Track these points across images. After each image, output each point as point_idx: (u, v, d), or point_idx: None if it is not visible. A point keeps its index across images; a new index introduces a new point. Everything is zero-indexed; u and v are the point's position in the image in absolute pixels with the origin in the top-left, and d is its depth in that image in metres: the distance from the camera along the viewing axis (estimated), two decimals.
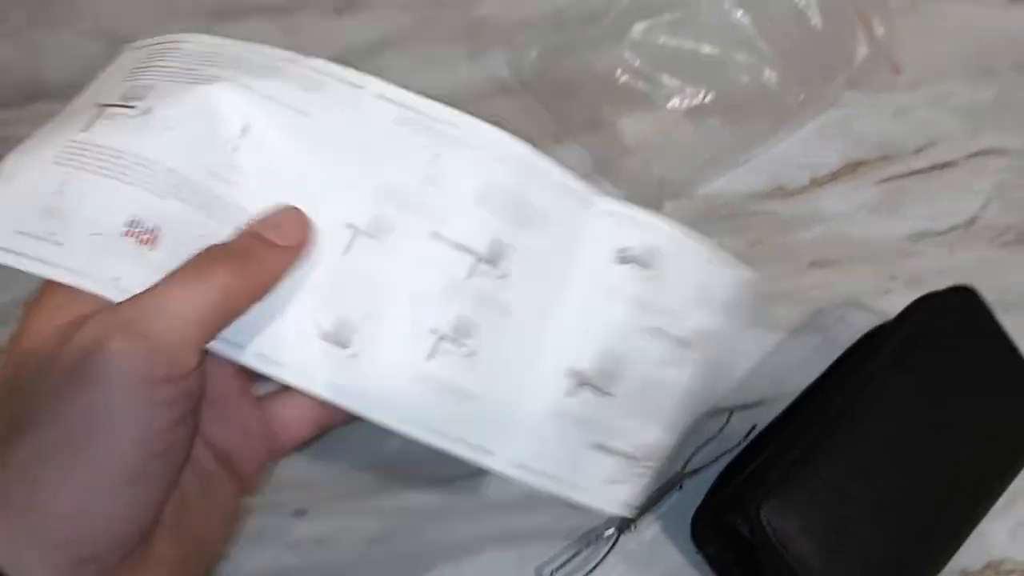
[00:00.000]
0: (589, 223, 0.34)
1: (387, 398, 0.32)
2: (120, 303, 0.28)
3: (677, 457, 0.43)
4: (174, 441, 0.27)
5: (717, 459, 0.43)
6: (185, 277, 0.28)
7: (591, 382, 0.33)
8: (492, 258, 0.33)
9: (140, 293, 0.28)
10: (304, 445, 0.35)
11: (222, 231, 0.31)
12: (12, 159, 0.32)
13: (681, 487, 0.43)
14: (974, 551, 0.42)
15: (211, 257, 0.29)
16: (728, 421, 0.44)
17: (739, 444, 0.43)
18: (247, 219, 0.31)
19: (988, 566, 0.43)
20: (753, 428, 0.43)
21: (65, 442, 0.26)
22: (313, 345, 0.32)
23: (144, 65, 0.33)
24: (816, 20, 0.48)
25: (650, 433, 0.34)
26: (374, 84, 0.32)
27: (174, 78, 0.32)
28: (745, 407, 0.45)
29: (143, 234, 0.30)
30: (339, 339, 0.32)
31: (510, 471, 0.33)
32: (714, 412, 0.45)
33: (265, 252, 0.30)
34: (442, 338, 0.32)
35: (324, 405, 0.32)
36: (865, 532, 0.38)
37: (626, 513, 0.34)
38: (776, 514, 0.37)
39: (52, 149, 0.31)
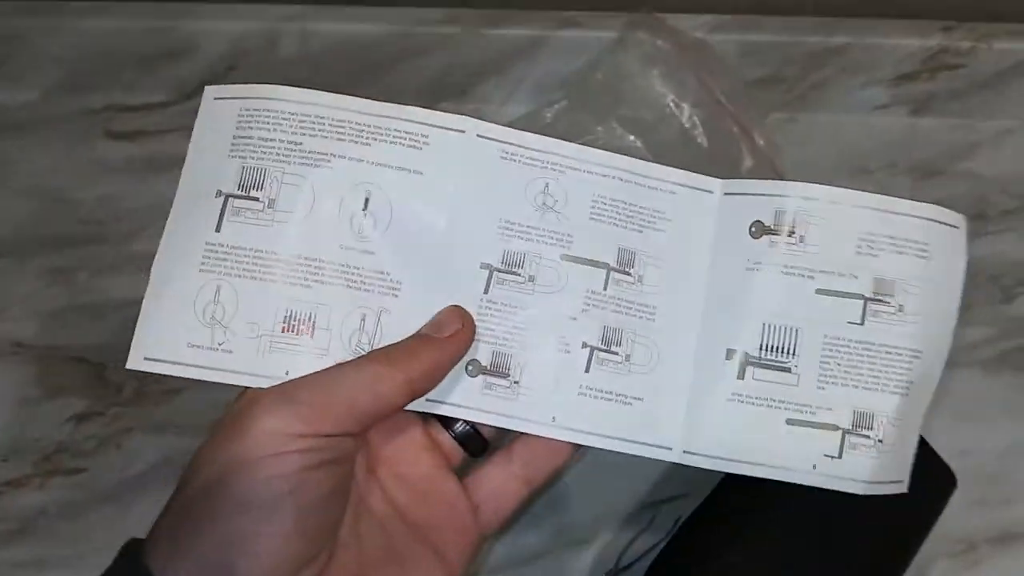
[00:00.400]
0: (712, 208, 0.37)
1: (560, 416, 0.35)
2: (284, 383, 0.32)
3: (610, 553, 0.46)
4: (310, 485, 0.30)
5: (647, 552, 0.46)
6: (342, 366, 0.33)
7: (760, 360, 0.35)
8: (622, 265, 0.36)
9: (301, 376, 0.32)
10: (509, 521, 0.37)
11: (371, 299, 0.35)
12: (157, 270, 0.34)
13: None
14: None
15: (369, 354, 0.33)
16: (656, 515, 0.47)
17: (667, 536, 0.46)
18: (391, 282, 0.35)
19: None
20: (679, 519, 0.46)
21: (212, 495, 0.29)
22: (476, 381, 0.35)
23: (246, 134, 0.35)
24: (702, 139, 0.53)
25: (862, 399, 0.35)
26: (474, 125, 0.36)
27: (285, 158, 0.35)
28: (672, 499, 0.48)
29: (300, 325, 0.34)
30: (499, 370, 0.35)
31: (700, 462, 0.35)
32: (643, 506, 0.48)
33: (423, 347, 0.33)
34: (595, 350, 0.35)
35: (526, 468, 0.35)
36: None
37: (859, 490, 0.35)
38: None
39: (193, 254, 0.34)
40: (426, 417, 0.36)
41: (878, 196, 0.35)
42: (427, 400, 0.34)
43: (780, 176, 0.56)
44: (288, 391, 0.31)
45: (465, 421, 0.36)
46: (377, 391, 0.32)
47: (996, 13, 0.58)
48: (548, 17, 0.58)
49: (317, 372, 0.32)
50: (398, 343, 0.34)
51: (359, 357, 0.33)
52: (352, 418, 0.31)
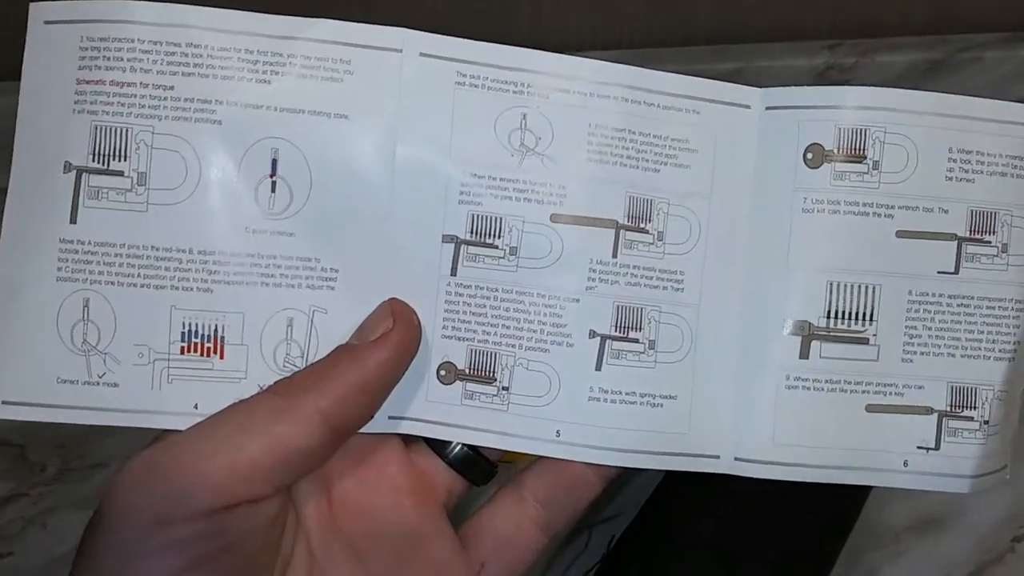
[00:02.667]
0: (751, 129, 0.28)
1: (567, 430, 0.27)
2: (166, 438, 0.24)
3: None
4: None
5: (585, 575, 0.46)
6: (228, 409, 0.24)
7: (827, 331, 0.27)
8: (635, 220, 0.27)
9: (190, 429, 0.24)
10: (534, 564, 0.29)
11: (297, 297, 0.27)
12: (4, 268, 0.26)
13: None
14: None
15: (271, 386, 0.25)
16: (590, 538, 0.47)
17: (602, 558, 0.46)
18: (322, 271, 0.27)
19: None
20: (612, 539, 0.46)
21: None
22: (452, 389, 0.27)
23: (93, 77, 0.26)
24: None
25: (961, 370, 0.28)
26: (416, 40, 0.27)
27: (153, 111, 0.26)
28: (605, 521, 0.48)
29: (204, 343, 0.26)
30: (480, 375, 0.27)
31: (757, 471, 0.27)
32: (577, 530, 0.48)
33: (338, 363, 0.25)
34: (607, 339, 0.27)
35: (544, 507, 0.27)
36: None
37: (965, 489, 0.28)
38: None
39: (45, 257, 0.26)
40: (410, 441, 0.28)
41: (967, 99, 0.28)
42: (389, 418, 0.27)
43: None
44: (151, 458, 0.23)
45: (464, 443, 0.28)
46: (274, 435, 0.23)
47: (876, 28, 0.61)
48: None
49: (193, 426, 0.24)
50: (308, 366, 0.26)
51: (258, 394, 0.25)
52: (240, 479, 0.23)
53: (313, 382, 0.24)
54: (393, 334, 0.25)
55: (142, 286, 0.26)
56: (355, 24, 0.26)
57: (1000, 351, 0.28)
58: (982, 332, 0.28)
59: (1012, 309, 0.28)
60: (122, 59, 0.26)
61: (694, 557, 0.41)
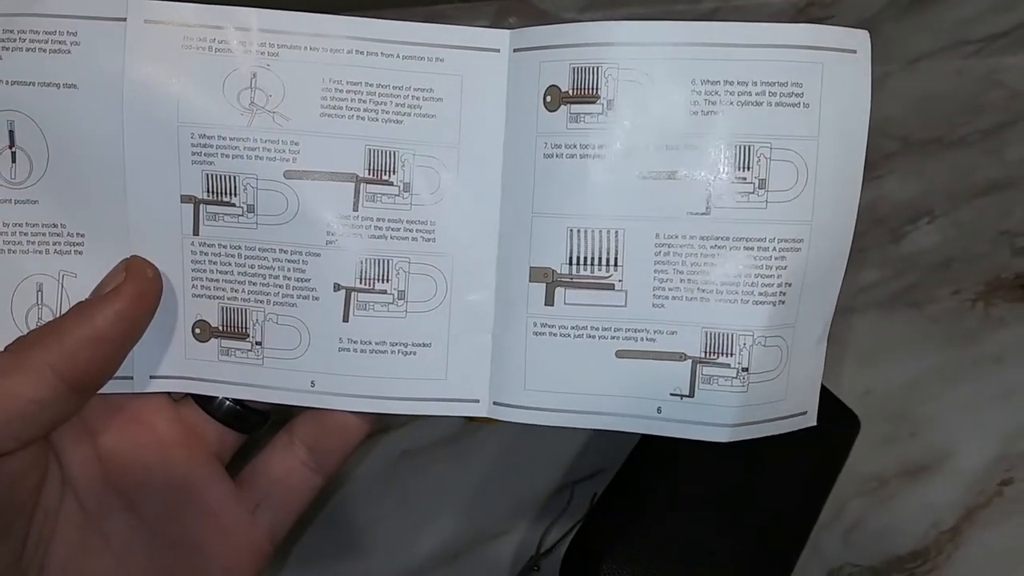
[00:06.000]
0: (500, 74, 0.27)
1: (322, 380, 0.28)
2: None
3: (531, 540, 0.46)
4: None
5: (567, 534, 0.45)
6: None
7: (570, 278, 0.27)
8: (377, 173, 0.27)
9: None
10: (302, 518, 0.31)
11: (46, 263, 0.27)
12: None
13: (538, 568, 0.45)
14: (815, 565, 0.46)
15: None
16: (572, 495, 0.46)
17: (584, 515, 0.46)
18: (69, 236, 0.27)
19: (829, 574, 0.47)
20: (594, 496, 0.46)
21: None
22: (208, 346, 0.28)
23: None
24: None
25: (716, 315, 0.27)
26: (138, 7, 0.27)
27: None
28: (587, 478, 0.48)
29: None
30: (234, 331, 0.28)
31: (515, 416, 0.28)
32: (560, 488, 0.47)
33: (70, 318, 0.26)
34: (351, 291, 0.28)
35: (313, 452, 0.29)
36: None
37: (722, 437, 0.27)
38: (616, 570, 0.39)
39: None
40: (178, 399, 0.29)
41: (715, 24, 0.26)
42: (151, 378, 0.28)
43: None
44: None
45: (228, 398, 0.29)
46: (10, 390, 0.24)
47: None
48: (416, 13, 0.57)
49: None
50: (45, 323, 0.26)
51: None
52: None
53: (43, 337, 0.25)
54: (124, 287, 0.26)
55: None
56: None
57: (761, 294, 0.27)
58: (739, 275, 0.27)
59: (775, 249, 0.26)
60: None
61: (676, 514, 0.41)
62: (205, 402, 0.30)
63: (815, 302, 0.27)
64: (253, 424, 0.30)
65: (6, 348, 0.25)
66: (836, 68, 0.26)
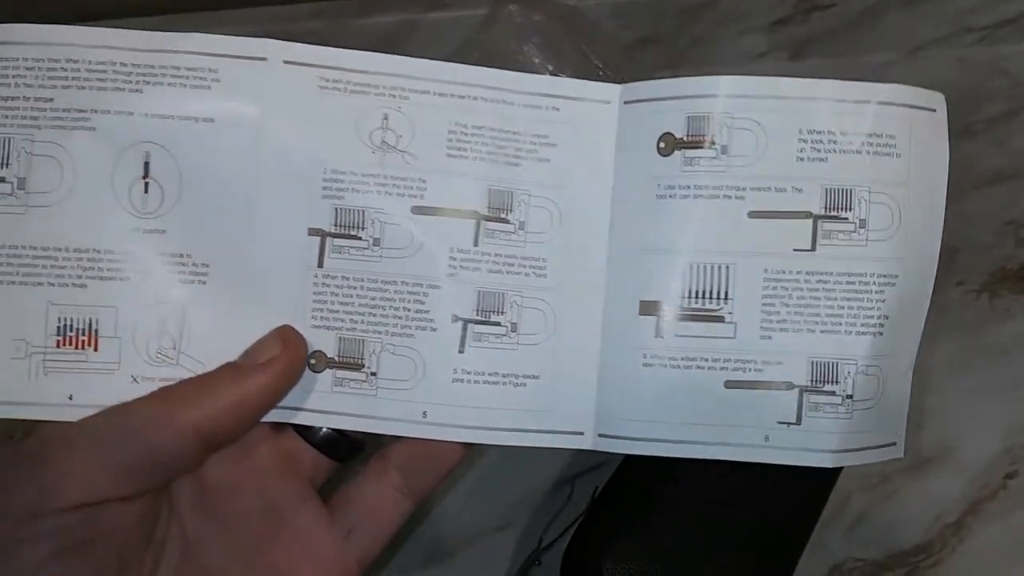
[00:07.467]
0: (610, 124, 0.29)
1: (433, 411, 0.29)
2: (41, 430, 0.25)
3: (533, 534, 0.45)
4: None
5: (569, 528, 0.45)
6: (110, 410, 0.25)
7: (682, 311, 0.28)
8: (496, 211, 0.29)
9: (72, 426, 0.25)
10: (392, 543, 0.31)
11: (169, 292, 0.28)
12: None
13: (539, 563, 0.45)
14: (818, 560, 0.45)
15: (155, 392, 0.26)
16: (573, 489, 0.46)
17: (586, 508, 0.45)
18: (194, 266, 0.28)
19: (833, 569, 0.46)
20: (595, 490, 0.46)
21: None
22: (323, 377, 0.29)
23: None
24: None
25: (821, 345, 0.28)
26: (279, 49, 0.28)
27: (33, 122, 0.28)
28: (588, 471, 0.47)
29: (79, 336, 0.28)
30: (349, 361, 0.29)
31: (620, 447, 0.29)
32: (560, 482, 0.47)
33: (222, 380, 0.26)
34: (468, 323, 0.29)
35: (406, 478, 0.29)
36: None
37: (827, 463, 0.28)
38: (618, 568, 0.39)
39: None
40: (278, 426, 0.30)
41: (818, 81, 0.28)
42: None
43: None
44: (27, 451, 0.24)
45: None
46: (149, 443, 0.25)
47: None
48: (415, 2, 0.57)
49: (74, 422, 0.25)
50: (192, 377, 0.27)
51: (134, 399, 0.26)
52: (116, 480, 0.24)
53: (192, 395, 0.26)
54: (278, 361, 0.27)
55: (20, 283, 0.27)
56: (222, 36, 0.28)
57: (863, 325, 0.28)
58: (842, 307, 0.28)
59: (875, 284, 0.29)
60: (7, 76, 0.28)
61: (678, 511, 0.40)
62: (303, 428, 0.30)
63: (906, 333, 0.29)
64: (349, 452, 0.31)
65: (153, 395, 0.26)
66: (921, 123, 0.29)
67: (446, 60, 0.28)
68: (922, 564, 0.46)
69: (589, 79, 0.53)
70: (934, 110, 0.29)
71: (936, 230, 0.29)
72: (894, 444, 0.30)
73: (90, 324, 0.28)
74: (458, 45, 0.53)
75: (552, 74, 0.53)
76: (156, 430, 0.25)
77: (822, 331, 0.28)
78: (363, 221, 0.28)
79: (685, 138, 0.28)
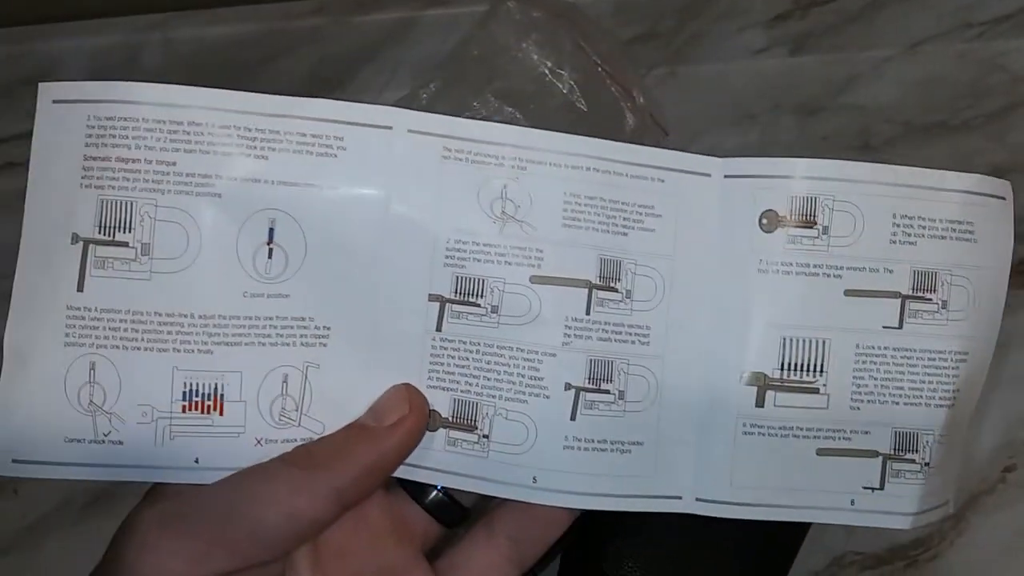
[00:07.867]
0: (712, 196, 0.30)
1: (543, 477, 0.29)
2: (164, 490, 0.27)
3: None
4: None
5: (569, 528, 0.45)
6: (247, 473, 0.26)
7: (781, 382, 0.30)
8: (606, 280, 0.29)
9: (212, 488, 0.26)
10: None
11: (292, 355, 0.28)
12: (10, 345, 0.27)
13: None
14: (817, 554, 0.45)
15: (286, 455, 0.27)
16: None
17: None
18: (316, 329, 0.28)
19: (832, 563, 0.46)
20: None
21: None
22: (436, 436, 0.29)
23: (100, 155, 0.28)
24: (582, 104, 0.52)
25: (904, 417, 0.30)
26: (404, 118, 0.29)
27: (156, 186, 0.28)
28: None
29: (205, 401, 0.28)
30: (463, 423, 0.29)
31: (716, 511, 0.30)
32: None
33: (356, 442, 0.27)
34: (581, 391, 0.29)
35: (514, 544, 0.30)
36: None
37: (906, 525, 0.30)
38: (618, 568, 0.39)
39: (53, 324, 0.27)
40: (390, 487, 0.30)
41: (909, 169, 0.30)
42: None
43: (664, 132, 0.56)
44: (172, 515, 0.25)
45: (438, 487, 0.30)
46: (293, 508, 0.26)
47: None
48: None
49: (213, 485, 0.26)
50: (324, 438, 0.28)
51: (271, 460, 0.27)
52: (260, 545, 0.25)
53: (330, 459, 0.27)
54: (408, 421, 0.27)
55: (146, 349, 0.27)
56: (347, 103, 0.28)
57: (940, 399, 0.30)
58: (923, 382, 0.30)
59: (951, 360, 0.30)
60: (127, 137, 0.27)
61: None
62: (415, 492, 0.30)
63: (969, 404, 0.32)
64: (457, 517, 0.31)
65: (290, 459, 0.27)
66: (994, 211, 0.31)
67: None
68: (921, 557, 0.47)
69: (589, 77, 0.54)
70: (1004, 198, 0.31)
71: (999, 309, 0.31)
72: (947, 503, 0.32)
73: (215, 389, 0.28)
74: (457, 42, 0.53)
75: (551, 71, 0.54)
76: (300, 496, 0.26)
77: (905, 403, 0.30)
78: (483, 289, 0.29)
79: (788, 217, 0.30)
